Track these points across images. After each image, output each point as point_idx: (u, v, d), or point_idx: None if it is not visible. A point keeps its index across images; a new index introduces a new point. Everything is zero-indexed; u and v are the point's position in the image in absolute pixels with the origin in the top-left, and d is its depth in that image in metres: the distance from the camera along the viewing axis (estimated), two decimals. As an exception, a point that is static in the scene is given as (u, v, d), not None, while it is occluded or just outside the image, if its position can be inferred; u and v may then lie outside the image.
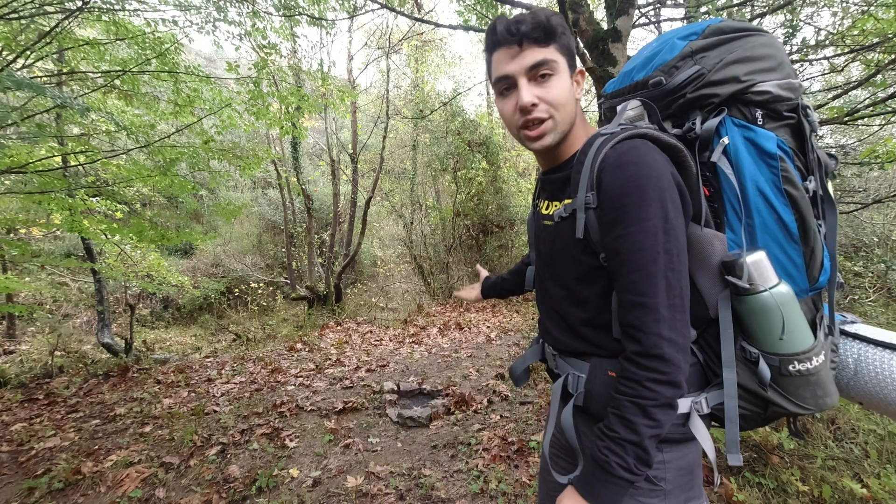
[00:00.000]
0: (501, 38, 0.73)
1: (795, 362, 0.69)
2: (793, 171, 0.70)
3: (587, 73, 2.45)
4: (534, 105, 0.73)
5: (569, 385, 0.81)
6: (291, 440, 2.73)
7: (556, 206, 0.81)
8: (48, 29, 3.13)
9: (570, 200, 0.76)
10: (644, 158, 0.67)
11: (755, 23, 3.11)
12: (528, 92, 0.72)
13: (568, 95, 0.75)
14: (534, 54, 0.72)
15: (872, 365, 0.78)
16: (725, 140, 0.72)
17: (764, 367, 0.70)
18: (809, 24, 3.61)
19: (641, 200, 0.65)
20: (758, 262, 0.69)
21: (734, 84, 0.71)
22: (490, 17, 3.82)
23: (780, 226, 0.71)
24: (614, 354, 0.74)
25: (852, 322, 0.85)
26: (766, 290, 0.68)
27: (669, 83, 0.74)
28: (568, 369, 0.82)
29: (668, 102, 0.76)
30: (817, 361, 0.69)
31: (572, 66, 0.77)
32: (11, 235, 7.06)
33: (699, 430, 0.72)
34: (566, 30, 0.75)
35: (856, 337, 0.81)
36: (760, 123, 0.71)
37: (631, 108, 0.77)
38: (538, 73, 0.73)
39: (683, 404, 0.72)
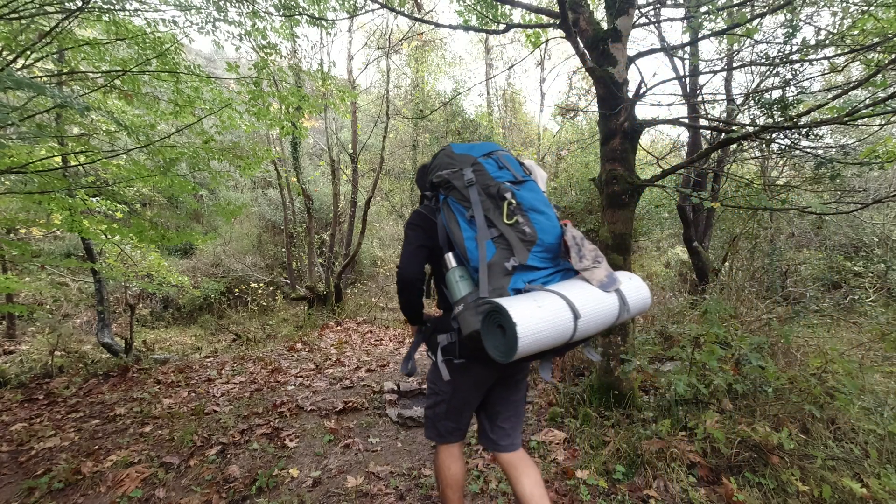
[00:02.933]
0: None
1: (455, 307, 1.27)
2: (453, 213, 1.29)
3: (588, 73, 2.49)
4: None
5: None
6: (291, 440, 2.73)
7: None
8: (48, 29, 3.12)
9: None
10: (411, 216, 1.45)
11: (755, 23, 3.11)
12: None
13: None
14: None
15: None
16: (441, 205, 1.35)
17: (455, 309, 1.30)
18: (809, 23, 3.62)
19: (405, 231, 1.45)
20: (448, 257, 1.32)
21: (428, 181, 1.40)
22: (490, 16, 3.82)
23: (453, 238, 1.29)
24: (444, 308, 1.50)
25: (535, 287, 1.23)
26: (448, 270, 1.30)
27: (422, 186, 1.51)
28: None
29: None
30: (460, 307, 1.25)
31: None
32: (11, 235, 7.06)
33: (438, 355, 1.41)
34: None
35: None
36: (446, 193, 1.33)
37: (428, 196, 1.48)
38: None
39: (441, 338, 1.41)
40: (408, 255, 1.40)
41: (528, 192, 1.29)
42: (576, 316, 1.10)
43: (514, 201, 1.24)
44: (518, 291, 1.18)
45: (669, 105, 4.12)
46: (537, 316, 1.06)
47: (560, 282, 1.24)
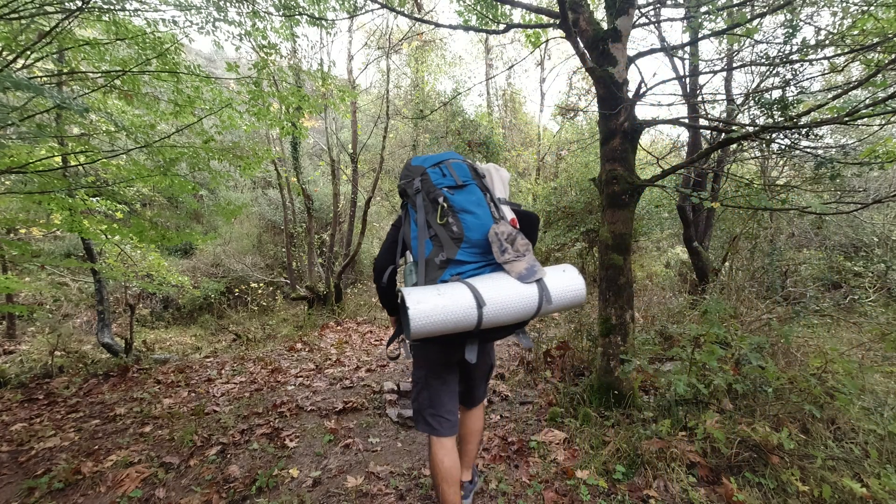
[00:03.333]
0: None
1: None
2: (408, 216, 1.52)
3: (588, 73, 2.54)
4: None
5: None
6: (291, 440, 2.73)
7: None
8: (48, 29, 3.13)
9: None
10: (395, 218, 1.66)
11: (755, 23, 3.11)
12: None
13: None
14: None
15: None
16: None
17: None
18: (809, 23, 3.61)
19: (389, 229, 1.66)
20: (407, 254, 1.52)
21: (399, 187, 1.57)
22: (490, 16, 3.82)
23: (405, 238, 1.53)
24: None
25: (454, 279, 1.40)
26: (406, 265, 1.51)
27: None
28: None
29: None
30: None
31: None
32: (11, 235, 7.06)
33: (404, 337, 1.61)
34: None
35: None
36: (405, 200, 1.56)
37: None
38: None
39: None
40: (383, 249, 1.63)
41: (463, 195, 1.45)
42: (479, 304, 1.24)
43: (445, 204, 1.43)
44: (446, 282, 1.36)
45: (669, 105, 4.12)
46: (433, 303, 1.21)
47: (488, 274, 1.39)
